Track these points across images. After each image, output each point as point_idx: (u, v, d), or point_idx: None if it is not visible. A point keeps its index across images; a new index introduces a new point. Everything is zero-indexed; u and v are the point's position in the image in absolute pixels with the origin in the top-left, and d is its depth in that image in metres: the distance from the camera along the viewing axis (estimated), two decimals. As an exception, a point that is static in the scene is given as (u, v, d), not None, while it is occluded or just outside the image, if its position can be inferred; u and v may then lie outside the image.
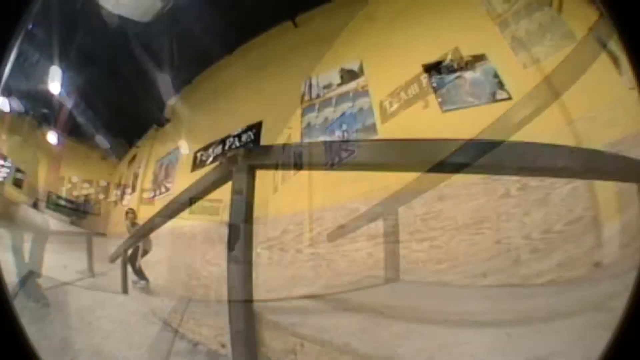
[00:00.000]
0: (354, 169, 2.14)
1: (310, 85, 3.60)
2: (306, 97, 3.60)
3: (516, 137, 2.09)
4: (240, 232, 2.01)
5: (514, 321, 1.76)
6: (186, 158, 3.89)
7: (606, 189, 2.22)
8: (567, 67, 2.29)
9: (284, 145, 2.66)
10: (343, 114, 3.24)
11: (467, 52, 2.88)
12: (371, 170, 2.21)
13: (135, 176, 4.08)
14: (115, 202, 3.98)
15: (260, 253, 3.07)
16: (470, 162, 1.65)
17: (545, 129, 2.32)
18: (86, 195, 3.94)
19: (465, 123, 2.72)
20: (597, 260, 2.47)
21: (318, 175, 2.76)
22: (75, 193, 3.88)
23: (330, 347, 1.75)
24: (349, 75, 3.37)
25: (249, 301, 1.94)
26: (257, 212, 2.90)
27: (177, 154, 4.02)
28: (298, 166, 2.28)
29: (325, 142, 3.03)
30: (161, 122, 4.03)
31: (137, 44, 3.31)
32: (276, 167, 2.63)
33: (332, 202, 3.06)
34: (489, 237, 2.55)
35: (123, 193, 4.00)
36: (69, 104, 3.50)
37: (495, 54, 2.87)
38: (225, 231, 2.06)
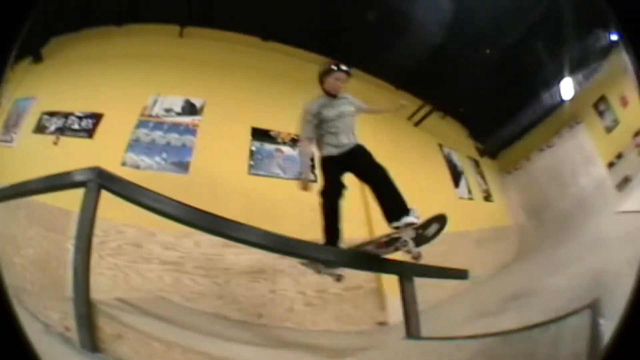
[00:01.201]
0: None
1: (156, 102, 3.50)
2: (147, 112, 3.47)
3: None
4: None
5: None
6: (34, 115, 3.47)
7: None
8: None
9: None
10: (168, 144, 3.19)
11: (295, 131, 3.12)
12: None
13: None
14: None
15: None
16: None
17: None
18: None
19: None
20: (381, 320, 3.02)
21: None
22: None
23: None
24: (189, 109, 3.36)
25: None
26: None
27: (30, 104, 3.53)
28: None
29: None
30: (37, 58, 3.44)
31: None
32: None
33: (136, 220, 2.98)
34: (264, 286, 2.90)
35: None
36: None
37: None
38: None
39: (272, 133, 3.18)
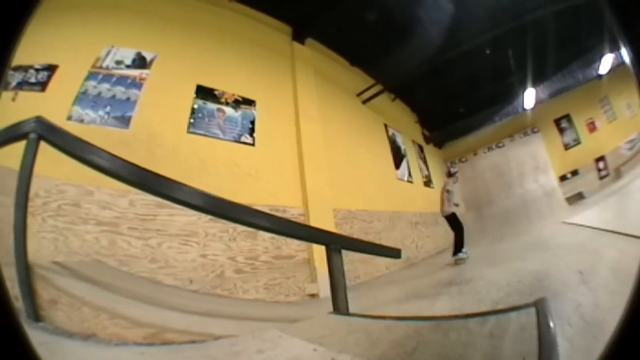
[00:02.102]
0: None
1: (109, 53, 3.45)
2: (98, 64, 3.42)
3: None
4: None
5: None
6: None
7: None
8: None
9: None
10: (114, 97, 3.15)
11: (240, 92, 3.12)
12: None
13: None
14: None
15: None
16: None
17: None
18: None
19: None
20: (312, 293, 3.09)
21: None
22: None
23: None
24: (140, 62, 3.32)
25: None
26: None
27: None
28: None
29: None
30: None
31: None
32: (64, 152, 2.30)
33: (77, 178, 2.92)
34: (196, 250, 2.89)
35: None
36: None
37: (267, 106, 3.20)
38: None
39: (216, 92, 3.15)
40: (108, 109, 3.19)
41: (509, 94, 4.89)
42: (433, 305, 2.64)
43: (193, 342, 1.85)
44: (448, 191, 3.94)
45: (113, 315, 2.00)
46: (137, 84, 3.23)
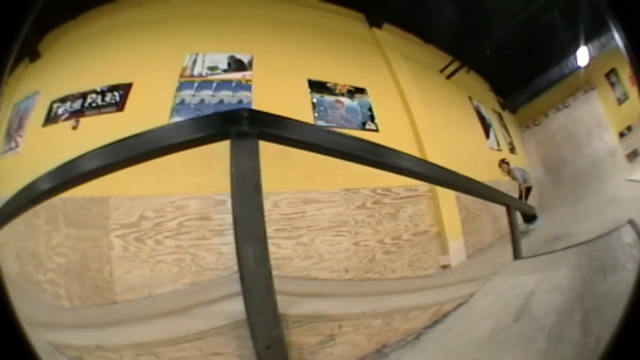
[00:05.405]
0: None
1: (195, 61, 3.37)
2: (187, 72, 3.34)
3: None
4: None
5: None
6: (41, 107, 3.21)
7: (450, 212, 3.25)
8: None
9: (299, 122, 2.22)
10: (221, 102, 3.09)
11: (350, 82, 3.10)
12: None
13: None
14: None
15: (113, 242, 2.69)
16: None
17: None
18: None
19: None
20: (445, 264, 3.19)
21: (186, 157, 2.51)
22: None
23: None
24: (236, 65, 3.26)
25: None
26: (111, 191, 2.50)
27: (33, 101, 3.28)
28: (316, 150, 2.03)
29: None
30: (33, 57, 3.26)
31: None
32: (291, 144, 2.08)
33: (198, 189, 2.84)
34: (347, 239, 2.90)
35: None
36: None
37: (375, 92, 3.21)
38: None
39: (328, 85, 3.13)
40: (208, 114, 3.11)
41: (565, 52, 4.98)
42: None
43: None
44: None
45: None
46: (244, 85, 3.17)
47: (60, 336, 2.12)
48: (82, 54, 3.37)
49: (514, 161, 4.58)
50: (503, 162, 4.38)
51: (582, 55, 5.69)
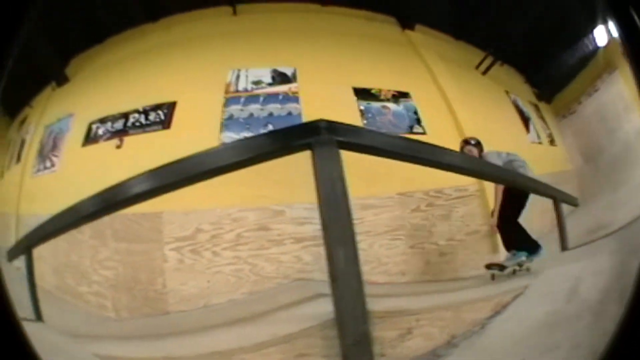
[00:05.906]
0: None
1: (238, 77, 3.46)
2: (232, 88, 3.44)
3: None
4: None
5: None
6: (78, 128, 3.32)
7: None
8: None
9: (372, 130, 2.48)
10: (271, 114, 3.18)
11: (393, 87, 3.17)
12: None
13: (22, 143, 3.31)
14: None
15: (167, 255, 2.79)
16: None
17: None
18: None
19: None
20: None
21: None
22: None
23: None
24: (280, 78, 3.35)
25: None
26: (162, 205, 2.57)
27: (68, 123, 3.40)
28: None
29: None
30: (60, 81, 3.38)
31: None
32: (368, 152, 2.26)
33: (254, 201, 2.93)
34: (404, 243, 2.99)
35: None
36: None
37: (418, 95, 3.28)
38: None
39: (373, 91, 3.21)
40: (270, 127, 3.21)
41: (584, 34, 4.92)
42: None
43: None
44: None
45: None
46: (291, 98, 3.25)
47: (108, 348, 2.25)
48: (117, 76, 3.47)
49: (551, 154, 4.58)
50: (467, 143, 3.20)
51: (601, 35, 5.59)
